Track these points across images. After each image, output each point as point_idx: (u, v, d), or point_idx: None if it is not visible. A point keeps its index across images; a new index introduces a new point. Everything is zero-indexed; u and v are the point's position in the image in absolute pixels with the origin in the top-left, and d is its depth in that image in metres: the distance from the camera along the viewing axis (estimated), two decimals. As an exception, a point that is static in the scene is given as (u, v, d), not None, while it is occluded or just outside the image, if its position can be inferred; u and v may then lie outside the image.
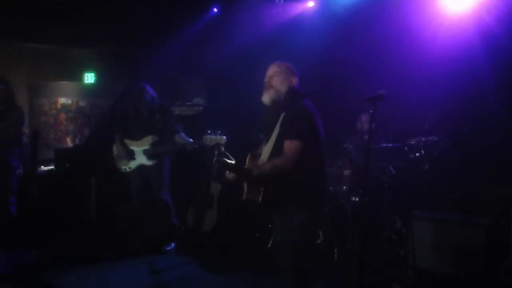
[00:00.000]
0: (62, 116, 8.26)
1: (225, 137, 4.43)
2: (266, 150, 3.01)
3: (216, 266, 4.57)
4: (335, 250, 4.60)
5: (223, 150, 3.45)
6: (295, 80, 3.07)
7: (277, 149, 2.91)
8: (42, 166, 6.33)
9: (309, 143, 2.86)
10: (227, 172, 3.19)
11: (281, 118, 2.96)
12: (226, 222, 5.36)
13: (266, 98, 3.04)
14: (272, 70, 3.08)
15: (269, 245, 4.82)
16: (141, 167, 4.85)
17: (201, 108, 6.28)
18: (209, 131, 4.43)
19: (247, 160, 3.11)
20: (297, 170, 2.84)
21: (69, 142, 8.15)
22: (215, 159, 3.34)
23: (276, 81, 3.03)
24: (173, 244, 5.02)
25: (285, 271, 2.97)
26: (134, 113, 4.91)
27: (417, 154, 4.50)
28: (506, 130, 4.49)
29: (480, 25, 4.63)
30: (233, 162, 3.11)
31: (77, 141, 8.04)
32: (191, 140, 4.65)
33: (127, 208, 5.14)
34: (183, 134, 4.75)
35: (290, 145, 2.84)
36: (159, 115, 4.84)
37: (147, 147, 4.80)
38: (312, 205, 2.96)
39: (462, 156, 4.69)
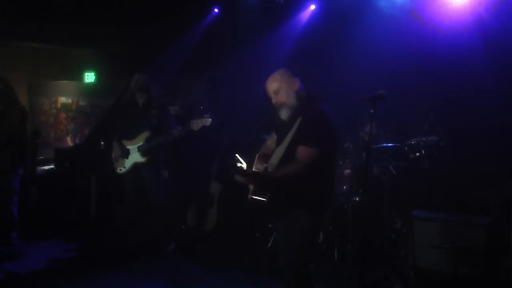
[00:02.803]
0: (62, 115, 8.27)
1: (210, 119, 4.44)
2: (277, 153, 2.96)
3: (216, 266, 4.57)
4: (335, 250, 4.60)
5: (237, 158, 3.42)
6: (297, 83, 2.98)
7: (289, 154, 2.86)
8: (43, 166, 6.34)
9: (324, 150, 2.81)
10: (239, 177, 3.04)
11: (297, 123, 2.88)
12: (226, 222, 5.37)
13: (284, 115, 2.97)
14: (272, 87, 2.98)
15: (269, 245, 4.82)
16: (135, 166, 4.83)
17: (201, 108, 6.28)
18: (196, 116, 4.46)
19: (256, 160, 3.08)
20: (309, 176, 2.79)
21: (69, 142, 8.17)
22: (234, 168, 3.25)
23: (282, 96, 2.95)
24: (173, 244, 5.02)
25: (286, 272, 2.97)
26: (130, 101, 4.91)
27: (417, 154, 4.50)
28: (506, 129, 4.49)
29: (479, 24, 4.64)
30: (244, 166, 3.07)
31: (77, 141, 8.05)
32: (179, 127, 4.64)
33: (126, 209, 5.14)
34: (173, 129, 4.72)
35: (305, 152, 2.79)
36: (155, 110, 4.84)
37: (141, 143, 4.80)
38: (317, 209, 2.94)
39: (462, 156, 4.69)
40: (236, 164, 3.08)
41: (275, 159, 2.95)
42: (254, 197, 2.94)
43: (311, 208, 2.89)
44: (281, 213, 3.02)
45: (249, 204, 2.98)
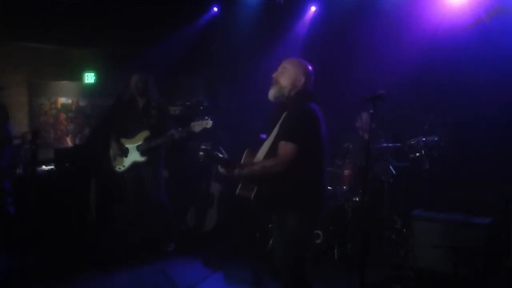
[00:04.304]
0: (62, 116, 8.27)
1: (211, 121, 4.43)
2: (263, 148, 2.92)
3: (216, 266, 4.57)
4: (335, 250, 4.60)
5: (219, 148, 3.40)
6: (302, 80, 2.93)
7: (273, 149, 2.82)
8: (43, 166, 6.33)
9: (307, 147, 2.74)
10: (219, 167, 3.03)
11: (282, 118, 2.85)
12: (226, 222, 5.37)
13: (271, 93, 2.96)
14: (283, 66, 2.98)
15: (269, 245, 4.81)
16: (134, 165, 4.83)
17: (202, 108, 6.28)
18: (197, 118, 4.45)
19: (244, 155, 3.02)
20: (292, 173, 2.73)
21: (69, 142, 8.16)
22: (203, 150, 3.20)
23: (282, 77, 2.94)
24: (173, 245, 5.01)
25: (282, 272, 2.94)
26: (129, 101, 4.91)
27: (417, 154, 4.50)
28: (506, 129, 4.49)
29: (478, 24, 4.64)
30: (222, 156, 3.03)
31: (77, 141, 8.05)
32: (178, 129, 4.64)
33: (126, 208, 5.14)
34: (174, 130, 4.72)
35: (284, 147, 2.73)
36: (155, 110, 4.84)
37: (140, 142, 4.80)
38: (307, 209, 2.83)
39: (462, 156, 4.69)
40: (218, 155, 2.99)
41: (261, 154, 2.91)
42: (241, 193, 2.92)
43: (298, 209, 2.81)
44: (269, 211, 3.00)
45: (238, 198, 2.94)
